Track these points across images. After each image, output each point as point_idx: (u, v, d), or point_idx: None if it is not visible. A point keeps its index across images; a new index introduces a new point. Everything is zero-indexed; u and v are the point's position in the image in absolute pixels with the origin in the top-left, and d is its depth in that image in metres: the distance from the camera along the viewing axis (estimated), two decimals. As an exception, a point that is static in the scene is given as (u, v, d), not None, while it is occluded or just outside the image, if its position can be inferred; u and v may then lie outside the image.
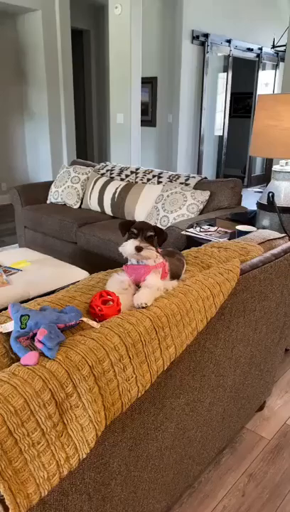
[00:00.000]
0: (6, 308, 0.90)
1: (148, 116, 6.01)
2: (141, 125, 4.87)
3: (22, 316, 0.80)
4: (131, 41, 4.38)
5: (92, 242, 3.03)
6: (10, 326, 0.81)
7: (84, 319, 0.88)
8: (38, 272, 2.30)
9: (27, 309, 0.84)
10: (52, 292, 1.12)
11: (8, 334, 0.82)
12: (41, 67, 5.22)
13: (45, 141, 5.54)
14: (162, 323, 0.92)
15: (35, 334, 0.79)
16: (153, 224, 1.15)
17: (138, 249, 1.04)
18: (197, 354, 1.11)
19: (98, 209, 3.45)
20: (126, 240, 1.08)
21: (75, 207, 3.59)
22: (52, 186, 3.73)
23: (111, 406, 0.79)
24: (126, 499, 1.05)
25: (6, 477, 0.64)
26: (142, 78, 4.67)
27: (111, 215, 3.38)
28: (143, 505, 1.14)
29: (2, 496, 0.65)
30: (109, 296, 0.96)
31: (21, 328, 0.79)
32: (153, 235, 1.07)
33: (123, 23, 4.37)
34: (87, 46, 6.63)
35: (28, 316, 0.80)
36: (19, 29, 5.29)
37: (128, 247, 1.05)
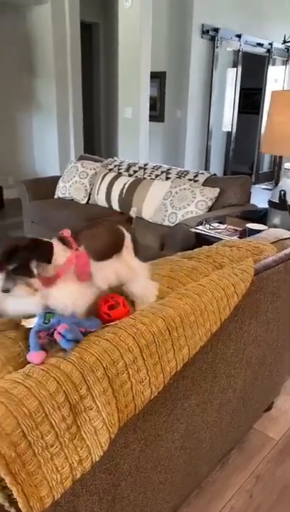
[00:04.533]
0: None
1: (156, 111, 5.95)
2: (149, 120, 4.83)
3: (47, 313, 0.82)
4: (140, 35, 4.33)
5: (99, 237, 3.01)
6: (33, 322, 0.83)
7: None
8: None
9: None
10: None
11: (28, 331, 0.82)
12: (50, 61, 5.18)
13: (52, 135, 5.51)
14: (175, 323, 0.90)
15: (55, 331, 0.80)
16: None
17: (6, 290, 0.75)
18: (210, 355, 1.09)
19: (106, 205, 3.43)
20: None
21: (83, 202, 3.57)
22: (60, 181, 3.71)
23: (124, 408, 0.78)
24: (136, 500, 1.04)
25: (20, 480, 0.63)
26: (151, 73, 4.62)
27: (119, 210, 3.36)
28: (151, 505, 1.13)
29: (15, 498, 0.64)
30: (113, 299, 0.95)
31: (44, 323, 0.80)
32: (24, 262, 0.76)
33: (133, 16, 4.32)
34: (96, 39, 6.57)
35: (53, 313, 0.83)
36: (28, 22, 5.25)
37: None
